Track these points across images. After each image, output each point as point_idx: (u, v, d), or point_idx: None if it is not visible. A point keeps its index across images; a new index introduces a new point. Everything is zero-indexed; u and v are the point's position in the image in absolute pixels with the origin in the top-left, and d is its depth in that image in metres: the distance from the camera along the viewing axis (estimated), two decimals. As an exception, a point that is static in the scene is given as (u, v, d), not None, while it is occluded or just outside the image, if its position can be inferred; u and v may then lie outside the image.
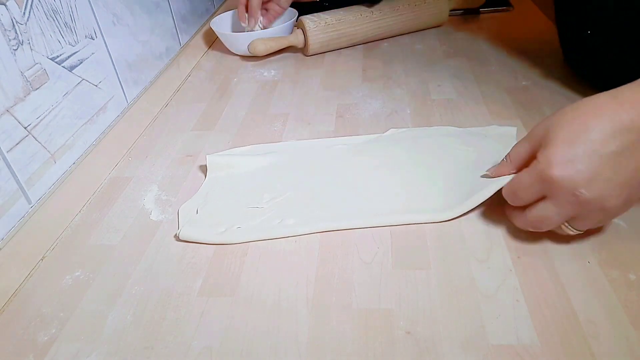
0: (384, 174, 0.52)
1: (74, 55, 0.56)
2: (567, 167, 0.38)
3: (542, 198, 0.40)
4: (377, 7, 0.85)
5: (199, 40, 0.89)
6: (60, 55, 0.53)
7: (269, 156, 0.56)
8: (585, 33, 0.61)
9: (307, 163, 0.55)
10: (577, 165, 0.38)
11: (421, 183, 0.50)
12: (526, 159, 0.43)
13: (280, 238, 0.47)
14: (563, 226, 0.41)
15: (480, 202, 0.46)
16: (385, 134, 0.59)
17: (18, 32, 0.48)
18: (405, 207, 0.48)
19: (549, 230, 0.42)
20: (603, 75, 0.61)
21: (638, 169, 0.38)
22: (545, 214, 0.40)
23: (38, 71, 0.50)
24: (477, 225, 0.47)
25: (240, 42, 0.82)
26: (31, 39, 0.49)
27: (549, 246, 0.44)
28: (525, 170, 0.41)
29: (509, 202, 0.43)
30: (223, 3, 1.07)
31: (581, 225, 0.41)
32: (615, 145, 0.37)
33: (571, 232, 0.41)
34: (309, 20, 0.82)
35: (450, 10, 0.91)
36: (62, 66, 0.54)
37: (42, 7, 0.51)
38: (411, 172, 0.52)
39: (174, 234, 0.49)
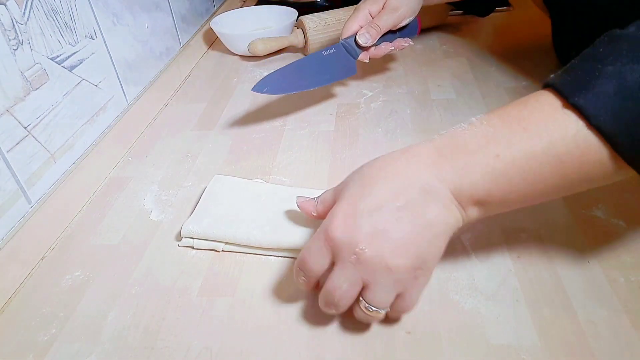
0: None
1: (74, 55, 0.56)
2: (347, 222, 0.35)
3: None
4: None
5: (199, 40, 0.89)
6: (60, 55, 0.53)
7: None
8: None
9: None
10: (357, 220, 0.34)
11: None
12: (328, 209, 0.39)
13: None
14: (361, 305, 0.36)
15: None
16: None
17: (18, 32, 0.48)
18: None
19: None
20: None
21: (424, 225, 0.34)
22: (334, 282, 0.35)
23: (38, 71, 0.50)
24: (476, 225, 0.46)
25: (240, 42, 0.82)
26: (31, 39, 0.49)
27: (549, 246, 0.44)
28: (314, 235, 0.37)
29: (299, 276, 0.38)
30: (223, 3, 1.07)
31: (376, 297, 0.35)
32: (400, 201, 0.34)
33: (372, 314, 0.36)
34: (309, 20, 0.82)
35: (451, 11, 0.91)
36: (62, 66, 0.54)
37: (42, 7, 0.51)
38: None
39: (176, 236, 0.49)
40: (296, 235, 0.45)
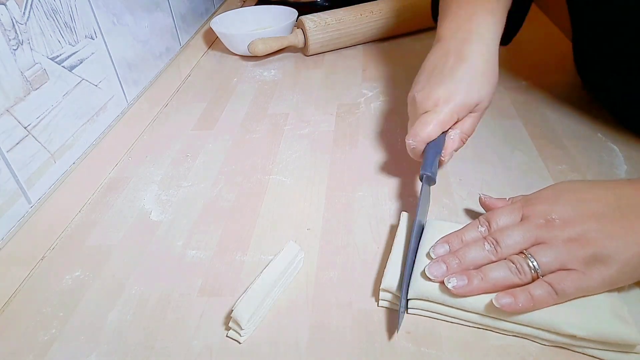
0: None
1: (74, 55, 0.56)
2: (550, 198, 0.39)
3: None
4: (377, 7, 0.85)
5: (199, 40, 0.89)
6: (60, 55, 0.53)
7: None
8: (608, 78, 0.58)
9: None
10: (560, 196, 0.38)
11: None
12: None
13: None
14: (519, 261, 0.36)
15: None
16: None
17: (18, 32, 0.48)
18: None
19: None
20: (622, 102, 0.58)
21: (627, 227, 0.35)
22: (510, 227, 0.38)
23: (38, 71, 0.50)
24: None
25: (240, 42, 0.82)
26: (31, 38, 0.49)
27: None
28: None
29: (480, 224, 0.40)
30: (223, 3, 1.07)
31: (544, 256, 0.36)
32: (612, 203, 0.37)
33: (525, 271, 0.36)
34: (309, 20, 0.82)
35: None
36: (62, 66, 0.54)
37: (42, 7, 0.51)
38: None
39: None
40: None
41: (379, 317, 0.39)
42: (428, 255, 0.40)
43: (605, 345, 0.34)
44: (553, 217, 0.37)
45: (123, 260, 0.47)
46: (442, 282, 0.37)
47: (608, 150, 0.54)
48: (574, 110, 0.62)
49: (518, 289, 0.36)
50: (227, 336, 0.39)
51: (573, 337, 0.34)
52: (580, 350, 0.35)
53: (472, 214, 0.48)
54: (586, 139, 0.56)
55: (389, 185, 0.53)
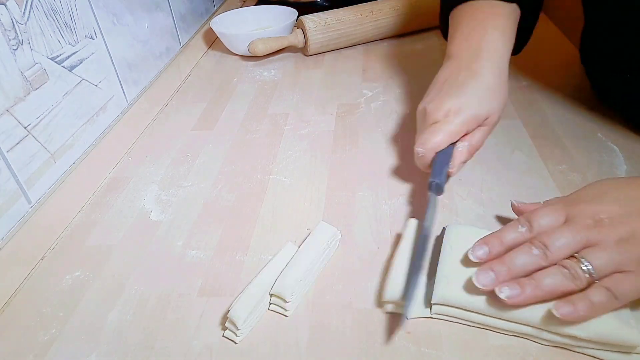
0: None
1: (74, 55, 0.56)
2: (595, 198, 0.37)
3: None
4: (377, 7, 0.85)
5: (199, 40, 0.89)
6: (60, 55, 0.53)
7: None
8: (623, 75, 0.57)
9: None
10: (604, 196, 0.37)
11: None
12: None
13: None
14: (572, 265, 0.34)
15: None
16: None
17: (18, 32, 0.48)
18: None
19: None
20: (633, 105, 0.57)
21: None
22: (560, 233, 0.36)
23: (38, 71, 0.50)
24: (476, 224, 0.47)
25: (240, 42, 0.82)
26: (31, 38, 0.49)
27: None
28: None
29: (521, 224, 0.38)
30: (223, 3, 1.07)
31: (597, 258, 0.34)
32: None
33: (580, 275, 0.34)
34: (309, 20, 0.82)
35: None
36: (62, 66, 0.54)
37: (42, 7, 0.51)
38: None
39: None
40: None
41: (379, 317, 0.39)
42: (463, 261, 0.38)
43: (605, 346, 0.34)
44: (601, 217, 0.35)
45: (123, 260, 0.47)
46: (476, 290, 0.36)
47: (608, 150, 0.54)
48: (574, 110, 0.62)
49: (575, 296, 0.34)
50: (223, 336, 0.39)
51: (574, 337, 0.34)
52: (580, 350, 0.35)
53: (472, 214, 0.48)
54: (586, 139, 0.56)
55: (389, 185, 0.53)
